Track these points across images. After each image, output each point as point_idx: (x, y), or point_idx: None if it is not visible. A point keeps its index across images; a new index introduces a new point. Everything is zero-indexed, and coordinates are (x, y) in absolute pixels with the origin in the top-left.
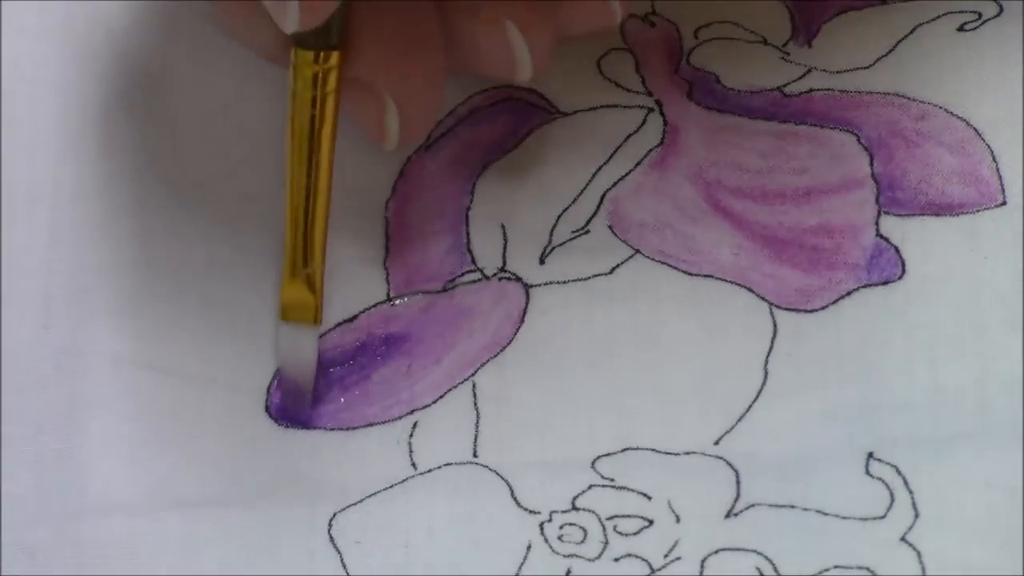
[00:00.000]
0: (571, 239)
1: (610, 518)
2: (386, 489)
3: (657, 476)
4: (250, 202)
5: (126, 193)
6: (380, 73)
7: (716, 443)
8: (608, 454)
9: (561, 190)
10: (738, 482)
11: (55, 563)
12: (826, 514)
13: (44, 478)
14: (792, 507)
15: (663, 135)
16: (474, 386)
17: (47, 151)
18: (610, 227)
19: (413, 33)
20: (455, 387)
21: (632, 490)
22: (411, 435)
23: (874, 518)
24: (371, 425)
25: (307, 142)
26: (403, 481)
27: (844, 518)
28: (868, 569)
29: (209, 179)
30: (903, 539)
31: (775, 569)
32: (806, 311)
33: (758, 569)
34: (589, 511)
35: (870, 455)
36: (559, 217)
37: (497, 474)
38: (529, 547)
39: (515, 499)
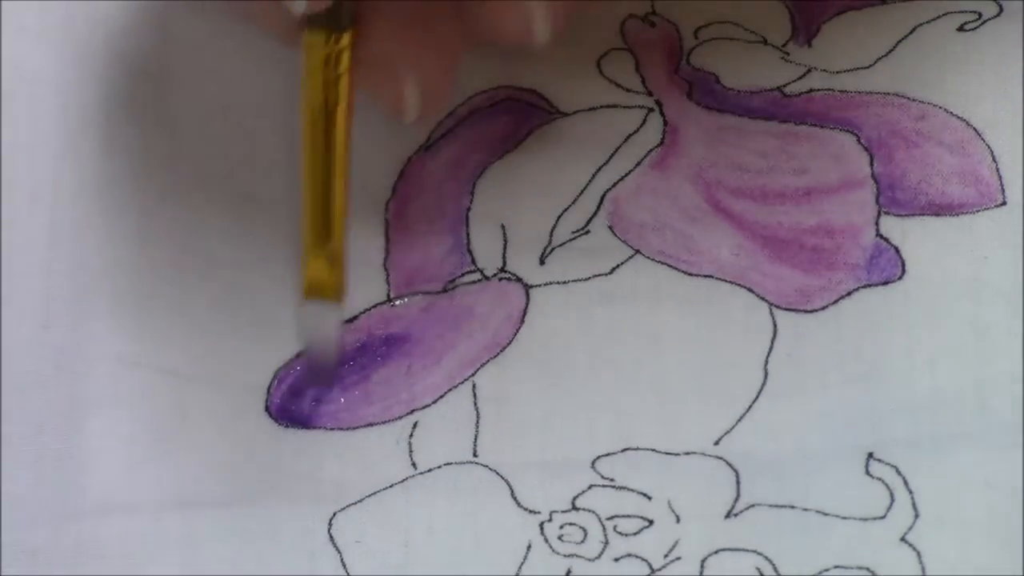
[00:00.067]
0: (571, 239)
1: (610, 518)
2: (386, 489)
3: (657, 476)
4: (250, 202)
5: (126, 193)
6: (395, 49)
7: (716, 443)
8: (608, 454)
9: (561, 190)
10: (738, 482)
11: (55, 563)
12: (826, 514)
13: (44, 478)
14: (792, 507)
15: (663, 135)
16: (474, 386)
17: (47, 151)
18: (610, 227)
19: (426, 5)
20: (455, 387)
21: (632, 490)
22: (411, 435)
23: (874, 518)
24: (371, 425)
25: (321, 122)
26: (403, 481)
27: (844, 518)
28: (868, 569)
29: (209, 179)
30: (903, 539)
31: (775, 569)
32: (806, 311)
33: (758, 569)
34: (589, 511)
35: (870, 455)
36: (559, 217)
37: (497, 474)
38: (529, 547)
39: (515, 499)
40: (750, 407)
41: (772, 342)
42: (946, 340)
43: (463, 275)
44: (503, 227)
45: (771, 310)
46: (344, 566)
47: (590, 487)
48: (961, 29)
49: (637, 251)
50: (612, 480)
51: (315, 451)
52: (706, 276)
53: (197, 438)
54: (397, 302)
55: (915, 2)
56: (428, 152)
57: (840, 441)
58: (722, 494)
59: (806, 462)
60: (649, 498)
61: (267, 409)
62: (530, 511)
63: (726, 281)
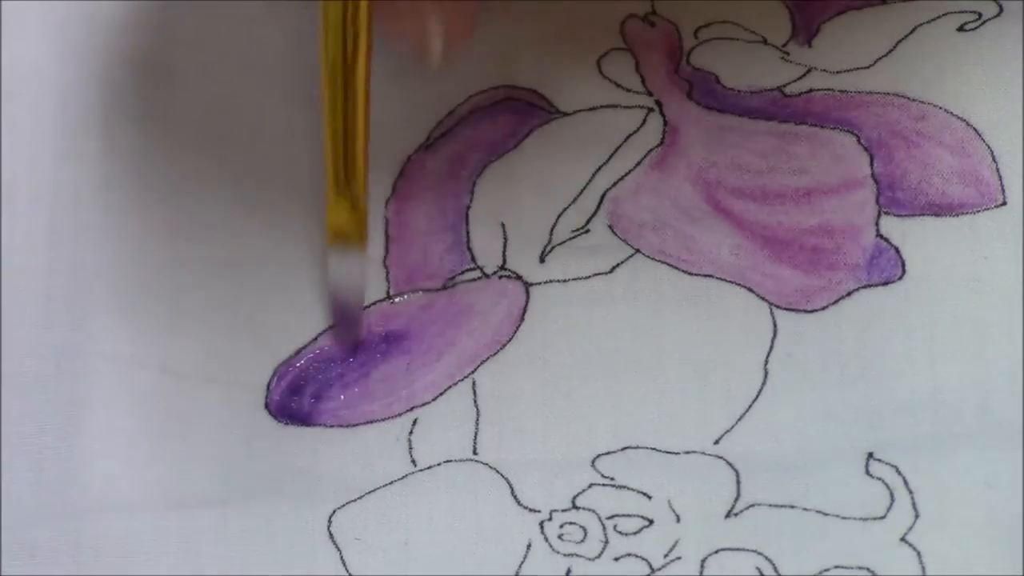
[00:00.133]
0: (571, 238)
1: (610, 517)
2: (386, 486)
3: (657, 475)
4: (250, 202)
5: (126, 193)
6: None
7: (716, 443)
8: (608, 453)
9: (561, 189)
10: (738, 482)
11: (55, 563)
12: (826, 514)
13: (44, 477)
14: (792, 507)
15: (663, 135)
16: (474, 384)
17: (47, 151)
18: (610, 226)
19: None
20: (455, 385)
21: (632, 489)
22: (411, 432)
23: (874, 518)
24: (371, 422)
25: (341, 68)
26: (403, 478)
27: (844, 518)
28: (868, 569)
29: (208, 179)
30: (903, 539)
31: (775, 569)
32: (806, 311)
33: (758, 569)
34: (589, 510)
35: (870, 455)
36: (559, 216)
37: (497, 472)
38: (529, 546)
39: (515, 497)
40: (750, 407)
41: (772, 342)
42: (946, 340)
43: (463, 273)
44: (503, 225)
45: (771, 310)
46: (344, 564)
47: (590, 486)
48: (961, 29)
49: (637, 250)
50: (612, 479)
51: (315, 448)
52: (706, 276)
53: (197, 437)
54: (397, 299)
55: (915, 2)
56: (428, 151)
57: (840, 441)
58: (722, 494)
59: (806, 462)
60: (649, 497)
61: (267, 407)
62: (530, 510)
63: (726, 281)
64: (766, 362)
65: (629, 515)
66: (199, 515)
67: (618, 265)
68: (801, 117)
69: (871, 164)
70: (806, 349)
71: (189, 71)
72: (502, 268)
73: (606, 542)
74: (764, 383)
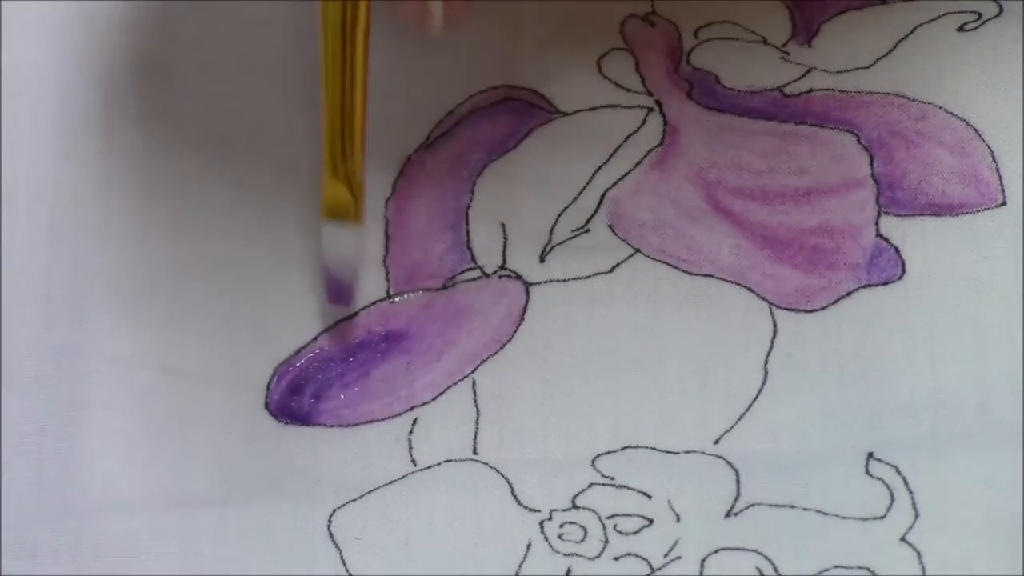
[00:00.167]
0: (571, 238)
1: (610, 517)
2: (386, 486)
3: (657, 475)
4: (250, 202)
5: (126, 193)
6: None
7: (716, 442)
8: (608, 452)
9: (561, 189)
10: (738, 481)
11: (55, 563)
12: (826, 514)
13: (44, 477)
14: (792, 507)
15: (663, 135)
16: (474, 383)
17: (48, 151)
18: (610, 226)
19: None
20: (455, 384)
21: (632, 489)
22: (411, 432)
23: (874, 518)
24: (371, 422)
25: (339, 41)
26: (403, 478)
27: (844, 518)
28: (868, 569)
29: (208, 179)
30: (903, 539)
31: (775, 569)
32: (806, 311)
33: (758, 569)
34: (589, 510)
35: (870, 455)
36: (559, 216)
37: (497, 471)
38: (529, 545)
39: (515, 497)
40: (750, 407)
41: (772, 342)
42: (946, 340)
43: (463, 272)
44: (503, 225)
45: (771, 310)
46: (344, 563)
47: (590, 485)
48: (961, 29)
49: (637, 250)
50: (612, 479)
51: (315, 448)
52: (706, 276)
53: (197, 436)
54: (397, 299)
55: (915, 2)
56: (428, 150)
57: (840, 441)
58: (722, 493)
59: (806, 462)
60: (649, 497)
61: (267, 406)
62: (530, 509)
63: (726, 281)
64: (766, 362)
65: (629, 515)
66: (199, 515)
67: (618, 265)
68: (801, 117)
69: (871, 164)
70: (806, 349)
71: (189, 71)
72: (502, 268)
73: (606, 542)
74: (764, 383)
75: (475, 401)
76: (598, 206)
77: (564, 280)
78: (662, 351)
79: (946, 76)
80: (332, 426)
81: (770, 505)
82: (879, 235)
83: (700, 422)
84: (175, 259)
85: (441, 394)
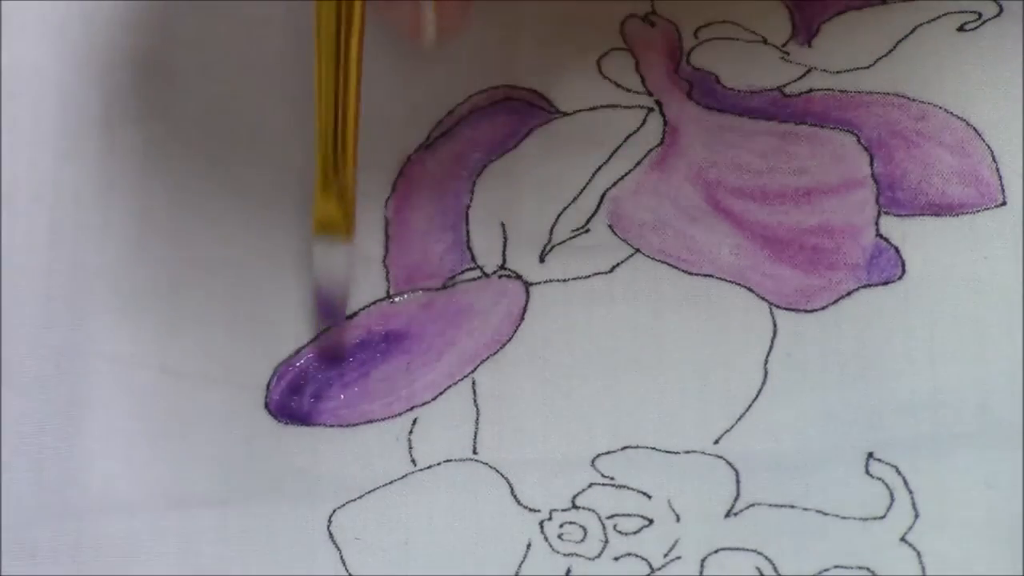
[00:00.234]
0: (571, 238)
1: (610, 517)
2: (386, 486)
3: (657, 475)
4: (250, 201)
5: (126, 194)
6: None
7: (716, 442)
8: (608, 452)
9: (561, 189)
10: (738, 481)
11: (55, 563)
12: (826, 514)
13: (44, 477)
14: (792, 507)
15: (663, 135)
16: (474, 383)
17: (48, 151)
18: (610, 226)
19: None
20: (455, 384)
21: (632, 489)
22: (411, 432)
23: (874, 518)
24: (371, 422)
25: (334, 52)
26: (403, 478)
27: (844, 518)
28: (868, 569)
29: (209, 179)
30: (903, 539)
31: (775, 569)
32: (806, 311)
33: (758, 569)
34: (589, 510)
35: (870, 455)
36: (559, 216)
37: (497, 471)
38: (529, 545)
39: (515, 497)
40: (750, 407)
41: (772, 342)
42: (946, 340)
43: (463, 272)
44: (503, 225)
45: (771, 310)
46: (344, 564)
47: (590, 485)
48: (961, 29)
49: (637, 250)
50: (612, 478)
51: (315, 448)
52: (706, 276)
53: (197, 436)
54: (397, 299)
55: (915, 2)
56: (428, 150)
57: (840, 441)
58: (722, 493)
59: (806, 462)
60: (649, 497)
61: (267, 406)
62: (530, 509)
63: (726, 281)
64: (766, 362)
65: (629, 515)
66: (199, 515)
67: (618, 265)
68: (801, 117)
69: (871, 164)
70: (806, 349)
71: (189, 71)
72: (502, 268)
73: (606, 542)
74: (764, 383)
75: (475, 401)
76: (598, 206)
77: (564, 280)
78: (662, 351)
79: (946, 76)
80: (332, 426)
81: (770, 505)
82: (879, 235)
83: (700, 422)
84: (175, 259)
85: (441, 394)
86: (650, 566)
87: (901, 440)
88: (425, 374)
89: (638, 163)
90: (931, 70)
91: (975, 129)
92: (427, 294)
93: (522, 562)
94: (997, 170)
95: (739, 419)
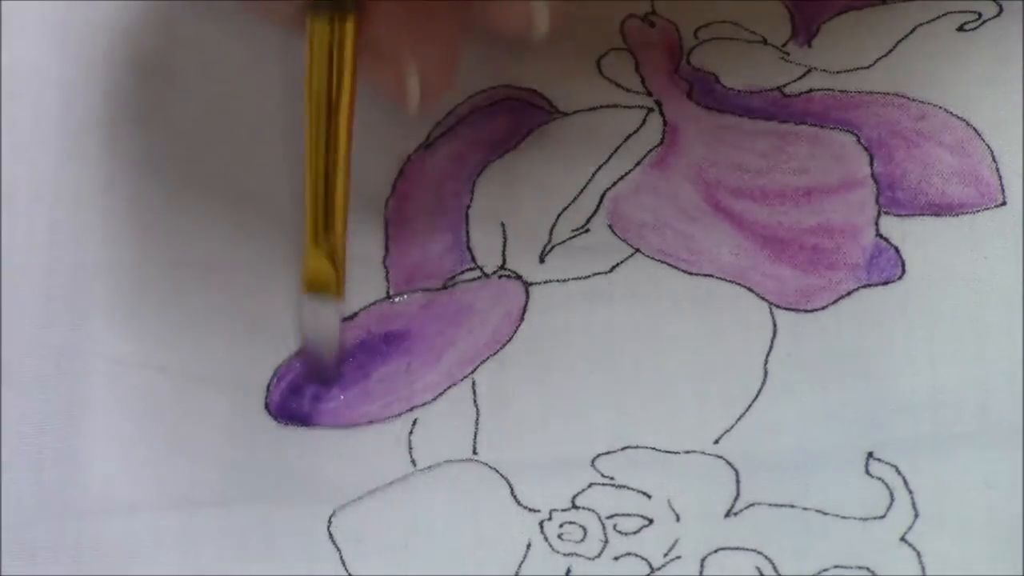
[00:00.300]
0: (571, 238)
1: (610, 517)
2: (386, 487)
3: (657, 475)
4: (251, 202)
5: (126, 193)
6: (397, 37)
7: (716, 442)
8: (608, 452)
9: (561, 189)
10: (738, 481)
11: (55, 563)
12: (826, 514)
13: (44, 478)
14: (792, 507)
15: (663, 135)
16: (474, 384)
17: (48, 151)
18: (610, 226)
19: None
20: (455, 385)
21: (632, 489)
22: (411, 433)
23: (874, 518)
24: (371, 423)
25: (325, 110)
26: (403, 479)
27: (844, 518)
28: (868, 569)
29: (210, 179)
30: (903, 539)
31: (775, 569)
32: (806, 311)
33: (758, 569)
34: (589, 510)
35: (870, 455)
36: (559, 216)
37: (497, 472)
38: (529, 545)
39: (515, 497)
40: (750, 407)
41: (772, 342)
42: (946, 340)
43: (463, 272)
44: (503, 225)
45: (771, 310)
46: (344, 564)
47: (590, 485)
48: (961, 29)
49: (637, 250)
50: (612, 479)
51: (315, 449)
52: (706, 276)
53: (197, 437)
54: (397, 299)
55: (915, 2)
56: (428, 150)
57: (840, 441)
58: (722, 493)
59: (806, 462)
60: (649, 497)
61: (267, 407)
62: (530, 509)
63: (726, 281)
64: (766, 362)
65: (629, 514)
66: (199, 515)
67: (618, 265)
68: (801, 117)
69: (871, 164)
70: (806, 349)
71: (189, 71)
72: (502, 268)
73: (606, 541)
74: (764, 383)
75: (475, 401)
76: (598, 206)
77: (564, 280)
78: (662, 351)
79: (946, 76)
80: (332, 427)
81: (770, 505)
82: (879, 235)
83: (700, 422)
84: (175, 259)
85: (441, 394)
86: (650, 566)
87: (901, 440)
88: (425, 375)
89: (638, 163)
90: (931, 70)
91: (975, 129)
92: (427, 294)
93: (522, 562)
94: (997, 170)
95: (739, 419)
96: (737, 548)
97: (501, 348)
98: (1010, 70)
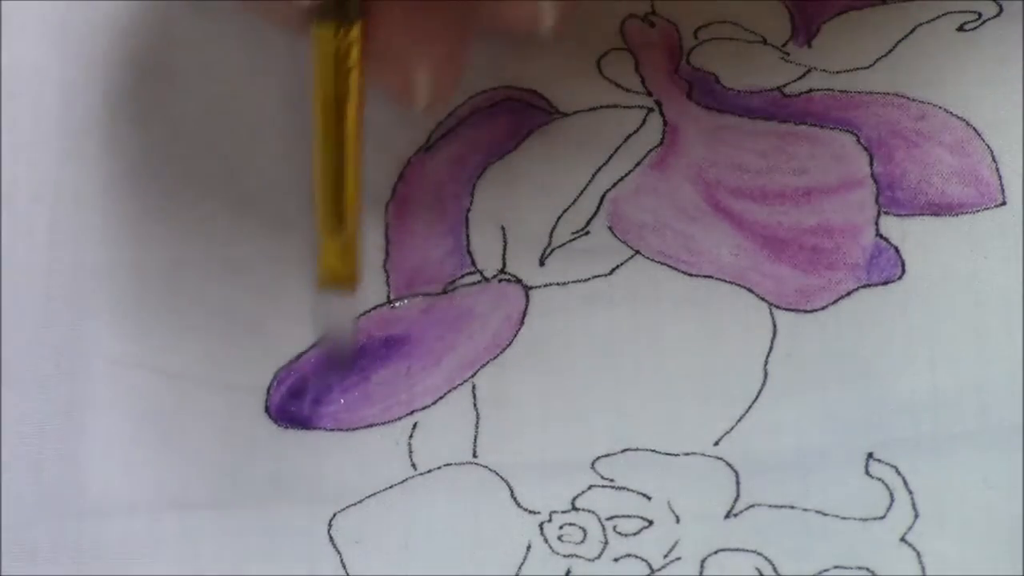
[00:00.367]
0: (571, 240)
1: (610, 518)
2: (386, 489)
3: (657, 476)
4: (251, 202)
5: (127, 194)
6: (404, 39)
7: (716, 443)
8: (608, 454)
9: (561, 191)
10: (738, 482)
11: (55, 563)
12: (826, 514)
13: (44, 478)
14: (792, 507)
15: (663, 135)
16: (474, 387)
17: (48, 151)
18: (610, 228)
19: None
20: (455, 388)
21: (632, 490)
22: (411, 436)
23: (874, 518)
24: (371, 426)
25: (333, 113)
26: (403, 481)
27: (844, 518)
28: (868, 569)
29: (210, 179)
30: (903, 539)
31: (775, 569)
32: (806, 311)
33: (758, 569)
34: (589, 511)
35: (870, 455)
36: (559, 218)
37: (497, 474)
38: (529, 547)
39: (515, 499)
40: (750, 407)
41: (772, 342)
42: (946, 340)
43: (463, 276)
44: (503, 228)
45: (771, 310)
46: (344, 567)
47: (590, 487)
48: (961, 29)
49: (637, 251)
50: (612, 480)
51: (315, 452)
52: (706, 276)
53: (196, 438)
54: (397, 304)
55: (915, 2)
56: (428, 153)
57: (840, 441)
58: (722, 494)
59: (806, 462)
60: (649, 498)
61: (267, 410)
62: (530, 511)
63: (726, 281)
64: (766, 362)
65: (629, 516)
66: (199, 516)
67: (618, 267)
68: (801, 117)
69: (871, 164)
70: (806, 349)
71: (189, 71)
72: (502, 271)
73: (606, 543)
74: (764, 383)
75: (475, 405)
76: (598, 207)
77: (564, 283)
78: (662, 353)
79: (946, 76)
80: (332, 430)
81: (770, 506)
82: (879, 235)
83: (700, 423)
84: (175, 260)
85: (441, 398)
86: (650, 567)
87: (901, 440)
88: (425, 378)
89: (638, 163)
90: (931, 70)
91: (975, 129)
92: (427, 299)
93: (522, 564)
94: (997, 170)
95: (739, 420)
96: (737, 549)
97: (501, 351)
98: (1010, 70)
